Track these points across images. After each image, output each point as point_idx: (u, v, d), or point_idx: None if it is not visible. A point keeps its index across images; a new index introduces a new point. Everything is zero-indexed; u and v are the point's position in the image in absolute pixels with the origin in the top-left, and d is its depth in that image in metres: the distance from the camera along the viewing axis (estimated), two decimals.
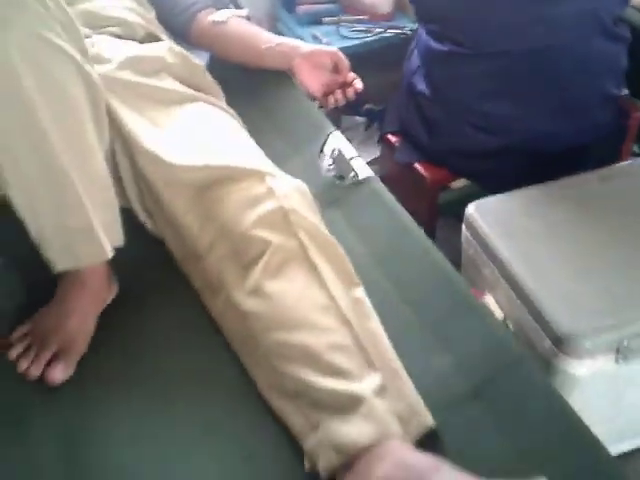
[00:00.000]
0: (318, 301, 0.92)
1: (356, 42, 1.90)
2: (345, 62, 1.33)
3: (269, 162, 1.09)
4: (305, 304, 0.92)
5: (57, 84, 0.91)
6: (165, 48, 1.25)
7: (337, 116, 2.02)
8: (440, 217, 1.39)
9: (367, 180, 1.13)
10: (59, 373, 0.92)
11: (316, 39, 1.92)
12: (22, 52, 0.86)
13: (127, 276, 1.06)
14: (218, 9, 1.47)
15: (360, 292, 0.99)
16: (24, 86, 0.86)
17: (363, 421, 0.81)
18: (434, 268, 0.98)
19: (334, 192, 1.15)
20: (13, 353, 0.94)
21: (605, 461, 0.75)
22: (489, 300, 1.07)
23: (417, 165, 1.34)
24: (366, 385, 0.84)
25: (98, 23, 1.26)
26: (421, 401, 0.85)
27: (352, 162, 1.16)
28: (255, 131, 1.24)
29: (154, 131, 1.10)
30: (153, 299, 1.06)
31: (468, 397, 0.85)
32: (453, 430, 0.83)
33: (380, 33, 1.90)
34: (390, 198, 1.09)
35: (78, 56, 0.93)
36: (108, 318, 1.01)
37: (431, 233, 1.32)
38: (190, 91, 1.21)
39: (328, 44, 1.88)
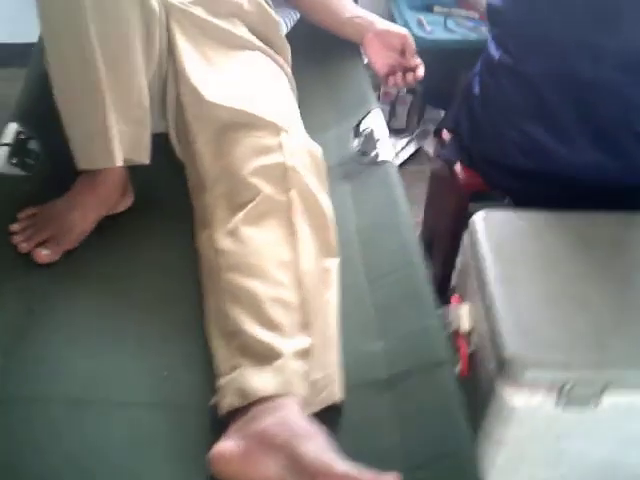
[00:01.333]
0: (281, 256, 0.96)
1: (458, 37, 1.88)
2: (411, 47, 1.33)
3: (294, 120, 1.14)
4: (268, 255, 0.96)
5: (113, 6, 0.99)
6: None
7: (422, 105, 2.02)
8: None
9: (384, 163, 1.15)
10: (44, 256, 1.02)
11: (420, 25, 1.92)
12: None
13: (144, 193, 1.15)
14: None
15: (333, 263, 1.02)
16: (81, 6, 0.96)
17: (272, 374, 0.85)
18: (404, 261, 0.99)
19: (352, 166, 1.17)
20: (14, 227, 1.05)
21: None
22: (464, 309, 1.06)
23: (457, 166, 1.33)
24: (290, 344, 0.88)
25: None
26: (339, 377, 0.88)
27: (378, 142, 1.18)
28: (307, 93, 1.29)
29: (204, 67, 1.17)
30: (157, 219, 1.14)
31: (381, 385, 0.87)
32: (355, 411, 0.85)
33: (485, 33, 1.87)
34: (397, 186, 1.11)
35: None
36: (111, 225, 1.10)
37: (454, 236, 1.31)
38: (254, 40, 1.26)
39: (430, 33, 1.88)
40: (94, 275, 1.03)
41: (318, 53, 1.44)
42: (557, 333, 0.95)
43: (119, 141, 1.05)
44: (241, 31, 1.26)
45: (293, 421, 0.80)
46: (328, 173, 1.14)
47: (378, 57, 1.36)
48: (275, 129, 1.07)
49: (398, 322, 0.93)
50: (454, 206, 1.35)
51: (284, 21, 1.52)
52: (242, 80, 1.17)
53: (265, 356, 0.87)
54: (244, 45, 1.24)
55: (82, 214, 1.07)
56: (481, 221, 1.11)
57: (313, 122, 1.27)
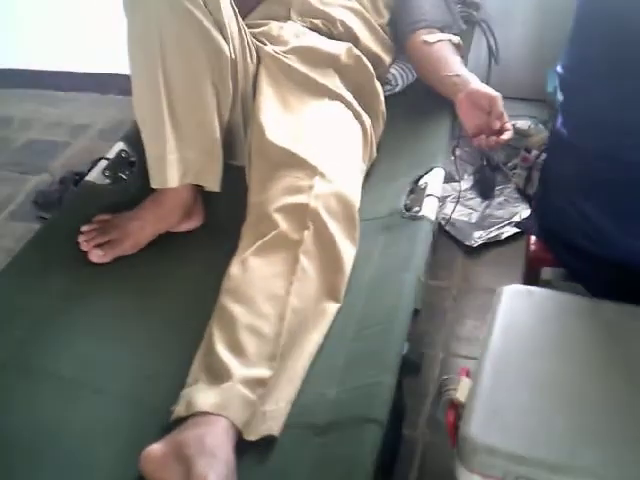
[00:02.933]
0: (274, 290, 1.01)
1: None
2: (497, 109, 1.29)
3: (343, 165, 1.17)
4: (262, 286, 1.01)
5: (183, 43, 1.14)
6: (344, 48, 1.39)
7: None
8: None
9: (422, 218, 1.14)
10: (95, 256, 1.18)
11: None
12: (165, 14, 1.11)
13: (216, 219, 1.26)
14: (443, 31, 1.54)
15: (332, 308, 1.04)
16: (158, 35, 1.11)
17: (215, 393, 0.90)
18: (389, 316, 0.97)
19: (394, 218, 1.17)
20: (84, 227, 1.22)
21: None
22: (464, 381, 1.00)
23: (532, 236, 1.25)
24: (246, 371, 0.92)
25: (307, 13, 1.45)
26: (284, 415, 0.90)
27: (426, 199, 1.17)
28: (390, 142, 1.33)
29: (277, 108, 1.27)
30: (214, 241, 1.24)
31: (315, 430, 0.87)
32: (282, 450, 0.86)
33: None
34: (422, 243, 1.10)
35: (210, 26, 1.15)
36: (170, 241, 1.22)
37: None
38: (339, 89, 1.33)
39: None
40: (131, 280, 1.16)
41: (413, 106, 1.47)
42: (529, 424, 0.86)
43: (179, 167, 1.18)
44: (329, 80, 1.34)
45: (208, 440, 0.84)
46: (372, 223, 1.17)
47: (468, 117, 1.34)
48: (312, 171, 1.13)
49: (358, 374, 0.92)
50: (524, 277, 1.27)
51: (401, 75, 1.56)
52: (306, 124, 1.24)
53: (219, 375, 0.92)
54: (325, 93, 1.31)
55: (140, 226, 1.22)
56: (505, 295, 1.04)
57: (385, 171, 1.31)
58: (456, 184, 1.76)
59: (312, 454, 0.84)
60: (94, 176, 1.30)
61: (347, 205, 1.13)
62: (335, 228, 1.09)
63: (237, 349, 0.95)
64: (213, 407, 0.88)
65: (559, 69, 1.17)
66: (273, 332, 0.97)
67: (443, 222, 1.77)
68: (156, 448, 0.85)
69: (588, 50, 1.12)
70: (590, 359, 0.93)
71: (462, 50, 1.51)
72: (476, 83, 1.36)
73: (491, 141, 1.29)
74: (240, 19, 1.27)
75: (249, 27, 1.40)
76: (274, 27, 1.40)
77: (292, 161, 1.15)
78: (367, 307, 1.03)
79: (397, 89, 1.57)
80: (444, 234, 1.77)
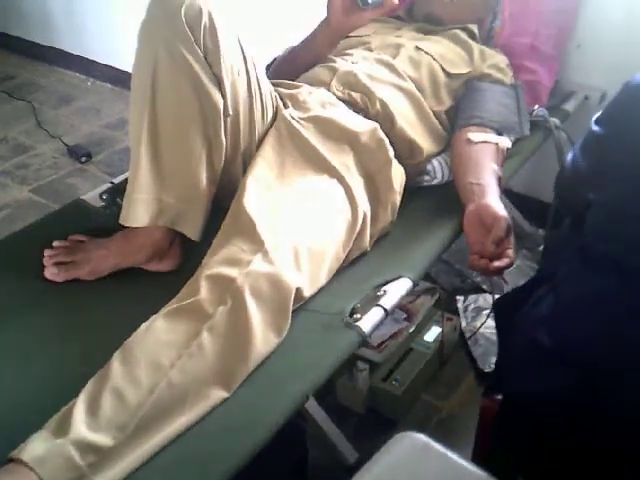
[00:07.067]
0: (160, 358, 0.96)
1: None
2: (497, 232, 1.13)
3: (297, 248, 1.10)
4: (151, 350, 0.98)
5: (175, 89, 1.14)
6: (368, 127, 1.31)
7: None
8: None
9: (354, 328, 1.04)
10: (49, 273, 1.20)
11: None
12: (162, 58, 1.12)
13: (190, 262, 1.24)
14: (500, 132, 1.42)
15: (217, 395, 0.98)
16: (152, 74, 1.13)
17: (46, 446, 0.88)
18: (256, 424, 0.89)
19: (333, 319, 1.08)
20: (55, 243, 1.25)
21: None
22: None
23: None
24: (85, 433, 0.89)
25: (348, 84, 1.39)
26: None
27: (373, 308, 1.07)
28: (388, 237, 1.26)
29: (270, 172, 1.22)
30: (174, 287, 1.21)
31: None
32: None
33: None
34: (336, 356, 1.01)
35: (206, 79, 1.14)
36: (131, 276, 1.22)
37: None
38: (345, 170, 1.25)
39: None
40: (68, 303, 1.17)
41: (426, 202, 1.37)
42: None
43: (151, 207, 1.18)
44: (339, 157, 1.27)
45: None
46: (313, 315, 1.09)
47: (471, 231, 1.20)
48: (258, 247, 1.07)
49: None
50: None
51: (441, 169, 1.45)
52: (288, 197, 1.18)
53: (62, 429, 0.90)
54: (327, 170, 1.24)
55: (104, 256, 1.23)
56: (397, 444, 0.91)
57: (361, 264, 1.22)
58: (489, 296, 1.61)
59: None
60: (90, 196, 1.34)
61: (281, 291, 1.05)
62: (256, 312, 1.02)
63: (93, 407, 0.91)
64: (32, 459, 0.85)
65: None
66: (136, 401, 0.92)
67: (468, 334, 1.62)
68: None
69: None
70: None
71: (503, 156, 1.38)
72: (491, 197, 1.22)
73: (482, 264, 1.15)
74: (260, 77, 1.25)
75: (282, 86, 1.39)
76: (303, 91, 1.36)
77: (246, 230, 1.10)
78: (247, 404, 0.95)
79: (434, 182, 1.45)
80: (464, 347, 1.62)
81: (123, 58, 2.82)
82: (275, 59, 1.61)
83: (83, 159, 2.35)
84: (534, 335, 1.00)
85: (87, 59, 2.98)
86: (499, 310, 1.15)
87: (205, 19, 1.12)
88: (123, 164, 2.33)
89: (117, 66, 2.86)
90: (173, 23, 1.11)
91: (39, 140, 2.51)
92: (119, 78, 2.85)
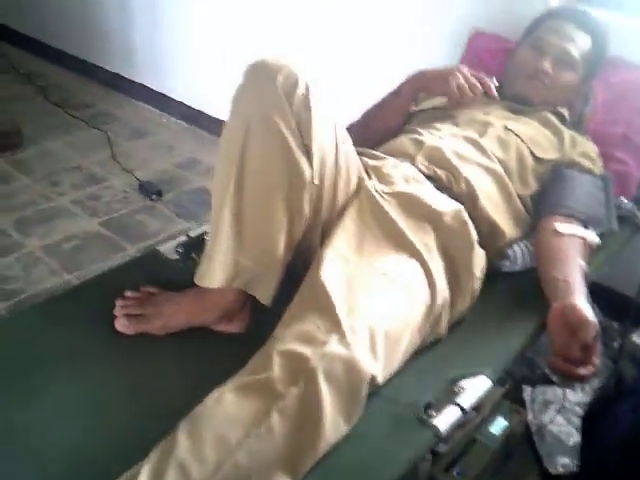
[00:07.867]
0: (227, 435, 0.93)
1: None
2: (583, 336, 1.08)
3: (371, 333, 1.05)
4: (219, 425, 0.95)
5: (265, 156, 1.14)
6: (453, 209, 1.28)
7: None
8: None
9: (429, 427, 0.99)
10: (119, 325, 1.20)
11: None
12: (255, 124, 1.12)
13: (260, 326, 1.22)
14: (586, 225, 1.37)
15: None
16: (243, 140, 1.13)
17: None
18: None
19: (406, 410, 1.03)
20: (128, 293, 1.24)
21: None
22: None
23: None
24: None
25: (434, 160, 1.37)
26: None
27: (449, 406, 1.02)
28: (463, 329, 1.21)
29: (349, 247, 1.19)
30: (241, 351, 1.18)
31: None
32: None
33: None
34: (407, 460, 0.96)
35: (296, 148, 1.13)
36: (200, 335, 1.20)
37: None
38: (428, 251, 1.21)
39: None
40: (135, 357, 1.15)
41: (509, 292, 1.32)
42: None
43: (228, 269, 1.16)
44: (420, 236, 1.23)
45: None
46: (385, 404, 1.04)
47: (556, 331, 1.14)
48: (334, 326, 1.03)
49: None
50: None
51: (522, 255, 1.40)
52: (366, 274, 1.15)
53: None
54: (407, 249, 1.20)
55: (175, 312, 1.22)
56: None
57: (436, 354, 1.17)
58: (558, 389, 1.53)
59: None
60: (166, 248, 1.33)
61: (355, 378, 1.01)
62: (327, 397, 0.98)
63: None
64: None
65: None
66: (201, 479, 0.90)
67: (534, 428, 1.55)
68: None
69: None
70: None
71: (591, 252, 1.33)
72: (579, 298, 1.16)
73: (565, 369, 1.09)
74: (348, 148, 1.24)
75: (366, 156, 1.37)
76: (388, 164, 1.34)
77: (323, 306, 1.07)
78: None
79: (516, 268, 1.40)
80: (528, 442, 1.54)
81: (199, 98, 2.89)
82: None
83: (153, 197, 2.37)
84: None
85: (164, 95, 3.04)
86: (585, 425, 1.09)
87: (301, 90, 1.12)
88: (192, 206, 2.36)
89: (193, 105, 2.91)
90: (269, 90, 1.11)
91: (112, 172, 2.55)
92: (194, 117, 2.90)
